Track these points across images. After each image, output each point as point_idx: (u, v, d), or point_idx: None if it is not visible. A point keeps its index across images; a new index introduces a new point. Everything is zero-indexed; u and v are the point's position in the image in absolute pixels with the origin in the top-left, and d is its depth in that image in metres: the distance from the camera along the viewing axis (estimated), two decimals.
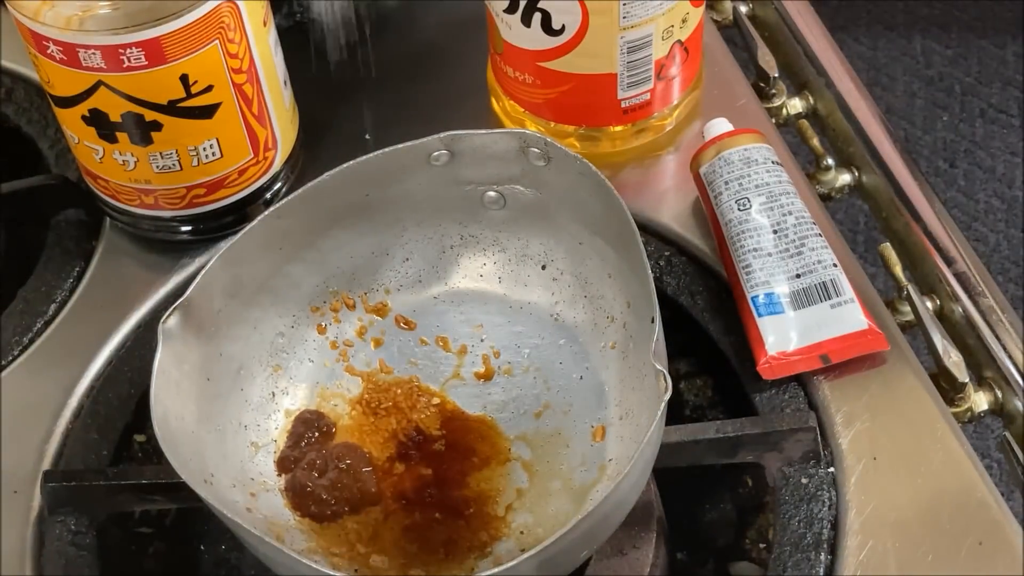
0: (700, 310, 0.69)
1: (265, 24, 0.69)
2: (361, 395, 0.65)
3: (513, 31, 0.71)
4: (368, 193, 0.63)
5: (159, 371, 0.56)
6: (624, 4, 0.68)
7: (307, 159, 0.76)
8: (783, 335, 0.65)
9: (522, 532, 0.60)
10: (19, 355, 0.70)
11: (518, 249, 0.67)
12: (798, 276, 0.65)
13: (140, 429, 0.68)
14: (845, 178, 0.78)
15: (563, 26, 0.69)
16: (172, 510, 0.69)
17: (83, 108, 0.66)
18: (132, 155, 0.68)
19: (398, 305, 0.68)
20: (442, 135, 0.62)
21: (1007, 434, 0.66)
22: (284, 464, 0.62)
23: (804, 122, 0.81)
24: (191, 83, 0.66)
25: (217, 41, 0.65)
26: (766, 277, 0.66)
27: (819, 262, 0.66)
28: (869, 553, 0.59)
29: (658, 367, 0.53)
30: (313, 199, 0.61)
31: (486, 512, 0.61)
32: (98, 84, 0.65)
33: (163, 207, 0.71)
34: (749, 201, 0.68)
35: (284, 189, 0.74)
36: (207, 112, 0.67)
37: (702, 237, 0.72)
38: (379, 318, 0.67)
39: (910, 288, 0.70)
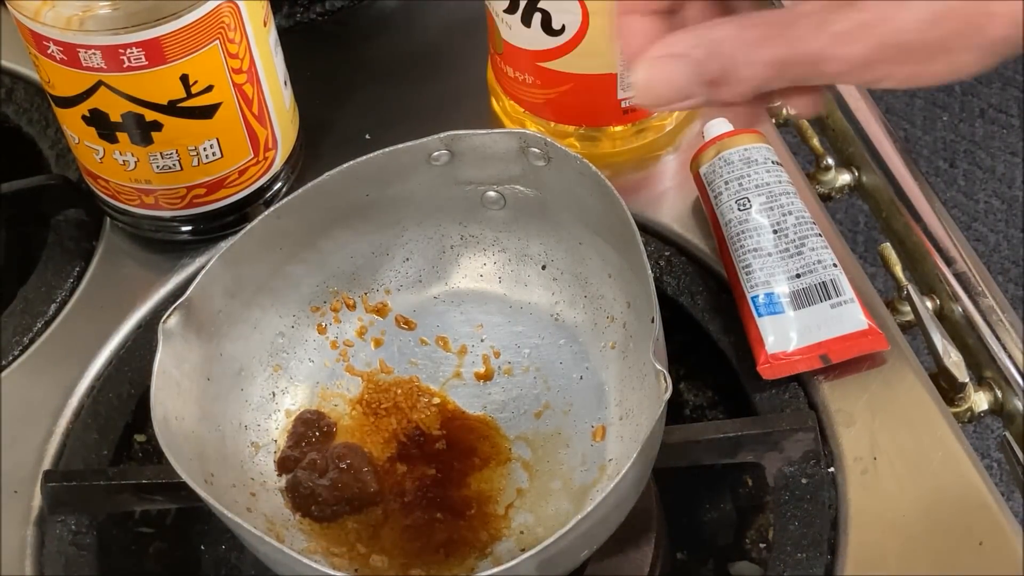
0: (700, 310, 0.69)
1: (265, 24, 0.69)
2: (361, 395, 0.65)
3: (513, 31, 0.71)
4: (368, 193, 0.63)
5: (159, 371, 0.56)
6: None
7: (307, 159, 0.76)
8: (783, 335, 0.65)
9: (522, 532, 0.60)
10: (19, 355, 0.70)
11: (518, 249, 0.67)
12: (798, 276, 0.65)
13: (140, 429, 0.68)
14: (845, 178, 0.78)
15: (563, 26, 0.69)
16: (172, 510, 0.69)
17: (83, 108, 0.66)
18: (132, 155, 0.68)
19: (398, 305, 0.68)
20: (442, 135, 0.62)
21: (1007, 434, 0.66)
22: (285, 464, 0.62)
23: (804, 122, 0.81)
24: (191, 83, 0.66)
25: (217, 41, 0.65)
26: (766, 277, 0.66)
27: (819, 262, 0.66)
28: (869, 553, 0.59)
29: (658, 367, 0.53)
30: (313, 199, 0.61)
31: (486, 512, 0.61)
32: (98, 84, 0.65)
33: (163, 207, 0.71)
34: (749, 201, 0.68)
35: (284, 189, 0.74)
36: (207, 112, 0.67)
37: (702, 237, 0.72)
38: (379, 318, 0.67)
39: (910, 288, 0.70)
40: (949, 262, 0.72)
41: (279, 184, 0.74)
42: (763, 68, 0.41)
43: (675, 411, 0.73)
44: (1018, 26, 0.40)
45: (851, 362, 0.65)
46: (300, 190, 0.61)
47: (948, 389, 0.66)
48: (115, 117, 0.66)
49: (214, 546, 0.70)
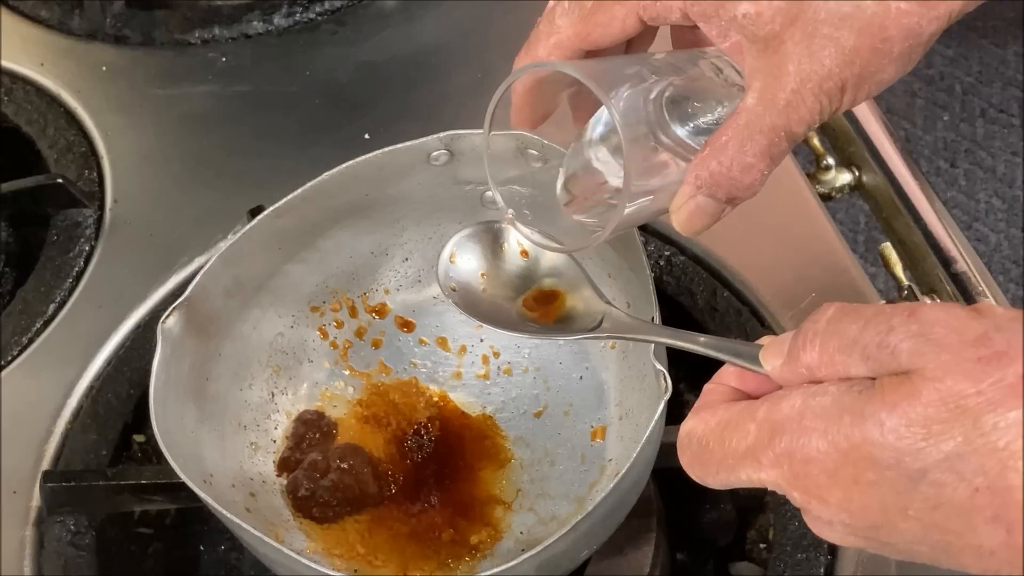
0: (700, 310, 0.69)
1: None
2: (361, 396, 0.65)
3: None
4: (368, 193, 0.63)
5: (159, 371, 0.56)
6: None
7: (307, 159, 0.76)
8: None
9: (522, 532, 0.60)
10: (19, 355, 0.70)
11: None
12: None
13: (140, 429, 0.68)
14: (845, 178, 0.78)
15: None
16: (172, 510, 0.69)
17: None
18: None
19: (398, 305, 0.68)
20: (442, 135, 0.61)
21: None
22: (286, 465, 0.62)
23: None
24: None
25: None
26: None
27: None
28: (869, 553, 0.59)
29: (658, 367, 0.53)
30: (313, 199, 0.61)
31: (486, 512, 0.61)
32: None
33: None
34: None
35: None
36: None
37: (702, 237, 0.72)
38: (379, 318, 0.67)
39: (910, 288, 0.70)
40: (949, 262, 0.71)
41: None
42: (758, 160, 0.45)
43: (675, 411, 0.72)
44: None
45: None
46: (300, 190, 0.61)
47: None
48: None
49: (214, 546, 0.70)
